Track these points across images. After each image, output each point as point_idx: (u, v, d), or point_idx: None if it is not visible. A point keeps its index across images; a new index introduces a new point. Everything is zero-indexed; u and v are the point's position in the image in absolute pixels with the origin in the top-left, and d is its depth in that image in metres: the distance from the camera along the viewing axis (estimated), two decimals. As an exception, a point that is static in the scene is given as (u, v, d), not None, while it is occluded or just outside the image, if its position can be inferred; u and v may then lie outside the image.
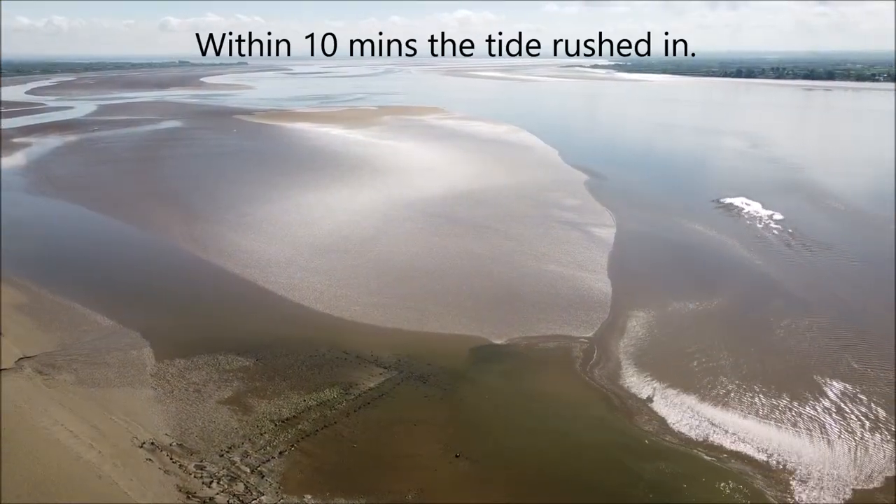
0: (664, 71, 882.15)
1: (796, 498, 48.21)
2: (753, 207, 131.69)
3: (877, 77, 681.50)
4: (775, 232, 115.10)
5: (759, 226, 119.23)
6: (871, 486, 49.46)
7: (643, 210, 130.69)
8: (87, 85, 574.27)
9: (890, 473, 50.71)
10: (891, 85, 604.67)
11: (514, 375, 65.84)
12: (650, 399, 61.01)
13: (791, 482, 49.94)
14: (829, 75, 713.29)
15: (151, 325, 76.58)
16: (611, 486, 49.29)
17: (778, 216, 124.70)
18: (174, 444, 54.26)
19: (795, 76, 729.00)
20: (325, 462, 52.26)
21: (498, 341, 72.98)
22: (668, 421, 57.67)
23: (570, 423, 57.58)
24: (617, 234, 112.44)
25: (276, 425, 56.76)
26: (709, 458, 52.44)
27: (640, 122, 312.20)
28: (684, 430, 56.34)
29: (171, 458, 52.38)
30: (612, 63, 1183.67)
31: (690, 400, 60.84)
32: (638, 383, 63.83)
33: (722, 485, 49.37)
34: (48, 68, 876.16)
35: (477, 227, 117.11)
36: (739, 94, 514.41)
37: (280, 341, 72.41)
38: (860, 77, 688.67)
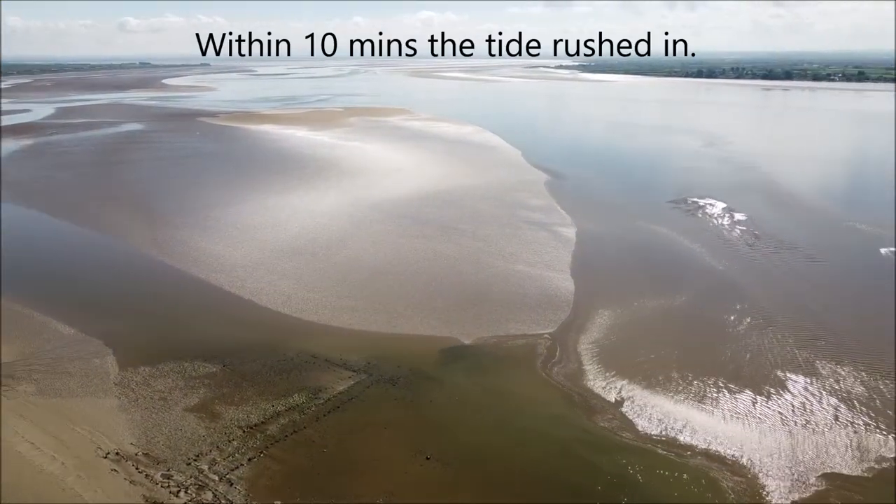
0: (627, 71, 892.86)
1: (751, 488, 49.18)
2: (711, 205, 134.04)
3: (832, 77, 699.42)
4: (733, 230, 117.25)
5: (715, 223, 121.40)
6: (826, 474, 50.71)
7: (603, 209, 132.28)
8: (44, 87, 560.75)
9: (848, 463, 52.04)
10: (844, 84, 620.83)
11: (483, 375, 66.08)
12: (610, 396, 61.80)
13: (747, 474, 50.96)
14: (787, 75, 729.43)
15: (114, 332, 75.12)
16: (575, 482, 49.80)
17: (738, 215, 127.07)
18: (140, 453, 53.32)
19: (754, 76, 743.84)
20: (295, 468, 51.85)
21: (467, 341, 73.21)
22: (628, 416, 58.52)
23: (536, 421, 57.99)
24: (578, 234, 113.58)
25: (244, 432, 56.13)
26: (664, 452, 53.33)
27: (602, 121, 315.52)
28: (643, 424, 57.20)
29: (136, 468, 51.46)
30: (577, 64, 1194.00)
31: (648, 395, 61.81)
32: (599, 380, 64.58)
33: (677, 475, 50.27)
34: (3, 70, 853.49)
35: (445, 228, 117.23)
36: (700, 94, 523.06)
37: (247, 346, 71.63)
38: (816, 77, 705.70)
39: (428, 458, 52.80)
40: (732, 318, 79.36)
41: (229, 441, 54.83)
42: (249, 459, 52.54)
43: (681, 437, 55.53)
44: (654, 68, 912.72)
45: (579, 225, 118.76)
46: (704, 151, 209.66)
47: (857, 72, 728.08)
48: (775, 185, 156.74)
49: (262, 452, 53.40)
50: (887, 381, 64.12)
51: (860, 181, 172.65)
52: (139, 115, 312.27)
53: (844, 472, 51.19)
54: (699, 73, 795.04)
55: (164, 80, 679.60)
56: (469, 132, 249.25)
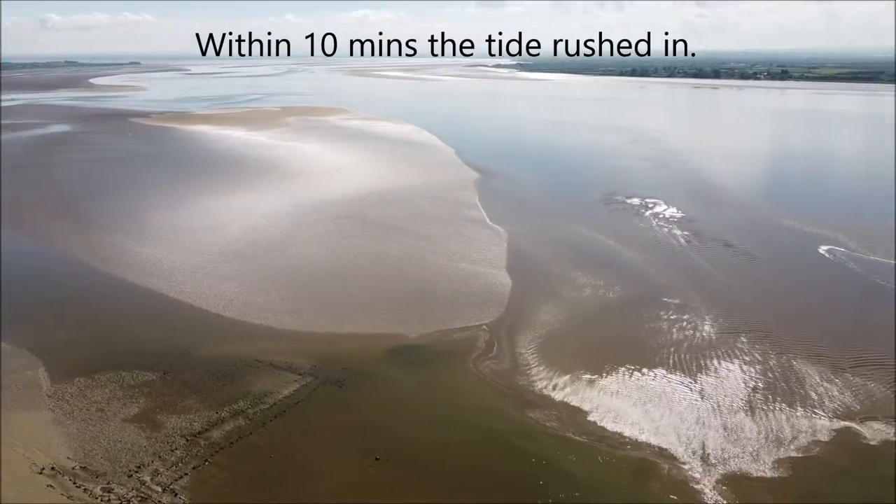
0: (564, 70, 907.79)
1: (672, 474, 50.87)
2: (642, 201, 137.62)
3: (758, 75, 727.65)
4: (664, 226, 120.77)
5: (645, 218, 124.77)
6: (750, 459, 52.92)
7: (537, 207, 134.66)
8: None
9: (770, 453, 54.36)
10: (769, 83, 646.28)
11: (430, 372, 66.41)
12: (547, 388, 62.80)
13: (669, 459, 52.60)
14: (716, 74, 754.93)
15: (47, 343, 72.23)
16: (523, 476, 50.53)
17: (670, 211, 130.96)
18: (77, 467, 51.50)
19: (685, 75, 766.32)
20: (242, 475, 50.98)
21: (413, 339, 73.37)
22: (566, 407, 59.61)
23: (480, 415, 58.50)
24: (511, 232, 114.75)
25: (187, 440, 54.86)
26: (599, 445, 54.68)
27: (536, 119, 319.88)
28: (579, 415, 58.41)
29: (74, 483, 49.69)
30: (515, 63, 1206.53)
31: (582, 387, 63.13)
32: (537, 373, 65.61)
33: (601, 459, 51.71)
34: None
35: (388, 227, 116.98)
36: (634, 92, 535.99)
37: (188, 353, 69.99)
38: (743, 75, 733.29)
39: (377, 459, 52.69)
40: (663, 312, 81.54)
41: (172, 450, 53.50)
42: (194, 468, 51.39)
43: (613, 427, 56.82)
44: (589, 67, 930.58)
45: (511, 223, 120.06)
46: (636, 149, 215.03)
47: (781, 70, 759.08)
48: (707, 181, 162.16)
49: (206, 461, 52.30)
50: (821, 369, 67.19)
51: (791, 178, 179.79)
52: (67, 116, 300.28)
53: (771, 457, 53.29)
54: (633, 72, 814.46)
55: (92, 80, 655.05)
56: (408, 131, 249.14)
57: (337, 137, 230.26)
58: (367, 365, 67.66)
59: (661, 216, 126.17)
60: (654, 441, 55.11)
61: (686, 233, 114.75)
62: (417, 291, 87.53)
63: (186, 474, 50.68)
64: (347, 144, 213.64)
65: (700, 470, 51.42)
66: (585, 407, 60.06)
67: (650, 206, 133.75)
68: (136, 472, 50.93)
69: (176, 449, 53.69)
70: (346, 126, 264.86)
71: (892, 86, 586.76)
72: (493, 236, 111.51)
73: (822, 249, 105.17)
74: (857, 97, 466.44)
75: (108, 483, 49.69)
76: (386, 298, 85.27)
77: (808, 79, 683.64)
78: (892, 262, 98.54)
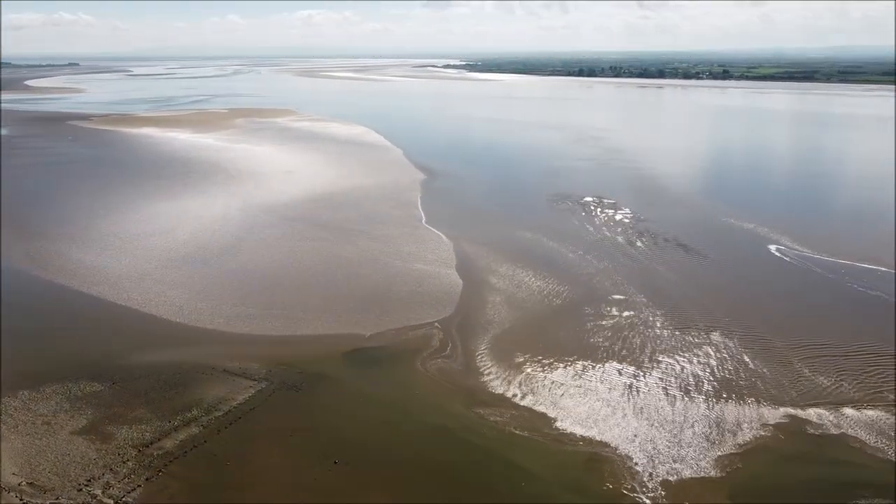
0: (513, 70, 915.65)
1: (620, 467, 51.93)
2: (589, 200, 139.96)
3: (700, 75, 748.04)
4: (614, 225, 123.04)
5: (593, 216, 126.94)
6: (696, 449, 54.35)
7: (486, 208, 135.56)
8: None
9: (708, 450, 55.93)
10: (711, 82, 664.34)
11: (386, 372, 66.23)
12: (499, 385, 63.34)
13: (617, 453, 53.59)
14: (661, 73, 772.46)
15: (-14, 355, 69.41)
16: (476, 471, 50.86)
17: (612, 208, 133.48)
18: (23, 483, 49.64)
19: (631, 74, 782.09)
20: (197, 484, 49.90)
21: (369, 341, 73.01)
22: (516, 403, 60.23)
23: (436, 414, 58.61)
24: (459, 232, 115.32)
25: (139, 451, 53.43)
26: (549, 440, 55.47)
27: (485, 119, 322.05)
28: (528, 411, 59.02)
29: (20, 500, 47.90)
30: (464, 63, 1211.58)
31: (533, 383, 63.87)
32: (487, 370, 66.13)
33: (551, 453, 52.46)
34: None
35: (341, 229, 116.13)
36: (581, 92, 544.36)
37: (138, 361, 68.17)
38: (687, 75, 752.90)
39: (336, 463, 52.27)
40: (610, 309, 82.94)
41: (123, 462, 52.04)
42: (147, 479, 50.08)
43: (562, 423, 57.54)
44: (538, 67, 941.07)
45: (458, 224, 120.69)
46: (582, 148, 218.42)
47: (722, 70, 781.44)
48: (652, 180, 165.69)
49: (160, 471, 51.03)
50: (769, 360, 69.33)
51: (732, 175, 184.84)
52: (2, 120, 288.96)
53: (719, 445, 54.74)
54: (580, 72, 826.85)
55: (28, 82, 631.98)
56: (358, 132, 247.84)
57: (287, 139, 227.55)
58: (324, 367, 67.08)
59: (605, 214, 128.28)
60: (601, 435, 55.96)
61: (631, 230, 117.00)
62: (372, 292, 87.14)
63: (139, 486, 49.38)
64: (298, 146, 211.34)
65: (647, 461, 52.46)
66: (535, 403, 60.68)
67: (595, 204, 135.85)
68: (87, 485, 49.39)
69: (127, 460, 52.25)
70: (296, 127, 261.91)
71: (827, 84, 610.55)
72: (442, 237, 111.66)
73: (770, 246, 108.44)
74: (794, 95, 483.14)
75: (57, 498, 48.06)
76: (341, 300, 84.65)
77: (747, 78, 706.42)
78: (829, 258, 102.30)
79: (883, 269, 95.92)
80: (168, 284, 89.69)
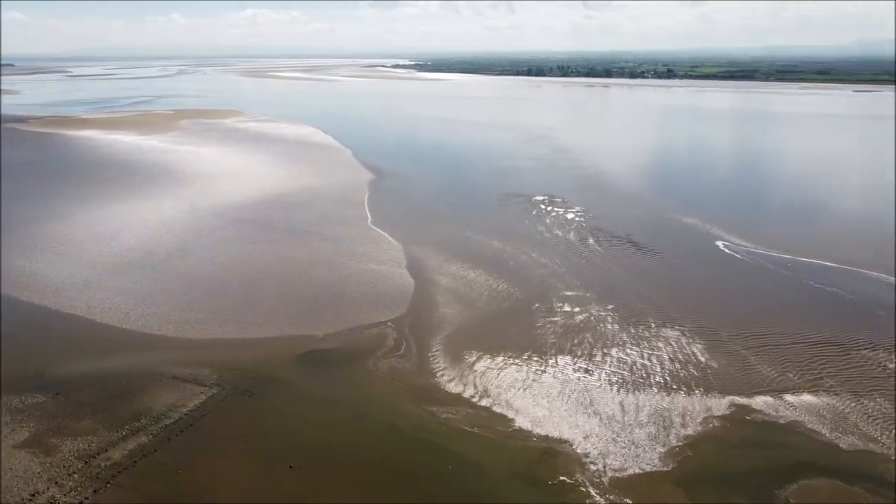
0: (462, 70, 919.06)
1: (571, 460, 52.73)
2: (539, 198, 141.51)
3: (645, 74, 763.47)
4: (565, 223, 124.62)
5: (540, 215, 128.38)
6: (649, 440, 55.52)
7: (434, 207, 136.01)
8: None
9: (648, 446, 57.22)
10: (656, 81, 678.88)
11: (340, 374, 65.71)
12: (452, 384, 63.58)
13: (569, 447, 54.39)
14: (607, 73, 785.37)
15: (-81, 368, 66.27)
16: (429, 469, 50.91)
17: (559, 206, 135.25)
18: (-38, 500, 47.63)
19: (578, 74, 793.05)
20: (147, 494, 48.61)
21: (323, 343, 72.30)
22: (470, 402, 60.46)
23: (389, 413, 58.48)
24: (411, 231, 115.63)
25: (86, 463, 51.75)
26: (492, 431, 55.99)
27: (433, 119, 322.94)
28: (479, 409, 59.40)
29: (-41, 518, 45.94)
30: (413, 63, 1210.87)
31: (486, 381, 64.29)
32: (440, 369, 66.33)
33: (503, 448, 53.03)
34: None
35: (293, 231, 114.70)
36: (530, 91, 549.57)
37: (83, 371, 66.06)
38: (632, 74, 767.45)
39: (291, 467, 51.58)
40: (561, 306, 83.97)
41: (69, 475, 50.33)
42: (95, 491, 48.55)
43: (514, 418, 58.09)
44: (486, 66, 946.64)
45: (410, 224, 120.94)
46: (530, 147, 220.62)
47: (667, 69, 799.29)
48: (604, 178, 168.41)
49: (108, 483, 49.54)
50: (717, 351, 71.15)
51: (684, 174, 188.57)
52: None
53: (669, 435, 56.00)
54: (529, 72, 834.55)
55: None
56: (307, 133, 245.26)
57: (235, 140, 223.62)
58: (276, 371, 66.15)
59: (555, 213, 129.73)
60: (554, 430, 56.53)
61: (580, 228, 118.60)
62: (325, 293, 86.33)
63: (87, 498, 47.85)
64: (246, 147, 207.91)
65: (598, 454, 53.27)
66: (487, 400, 61.03)
67: (544, 203, 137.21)
68: (30, 500, 47.64)
69: (73, 473, 50.56)
70: (244, 128, 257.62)
71: (766, 82, 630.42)
72: (391, 238, 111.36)
73: (717, 242, 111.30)
74: (735, 94, 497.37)
75: (-2, 515, 46.24)
76: (294, 302, 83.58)
77: (690, 77, 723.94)
78: (776, 253, 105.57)
79: (824, 263, 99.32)
80: (114, 291, 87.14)
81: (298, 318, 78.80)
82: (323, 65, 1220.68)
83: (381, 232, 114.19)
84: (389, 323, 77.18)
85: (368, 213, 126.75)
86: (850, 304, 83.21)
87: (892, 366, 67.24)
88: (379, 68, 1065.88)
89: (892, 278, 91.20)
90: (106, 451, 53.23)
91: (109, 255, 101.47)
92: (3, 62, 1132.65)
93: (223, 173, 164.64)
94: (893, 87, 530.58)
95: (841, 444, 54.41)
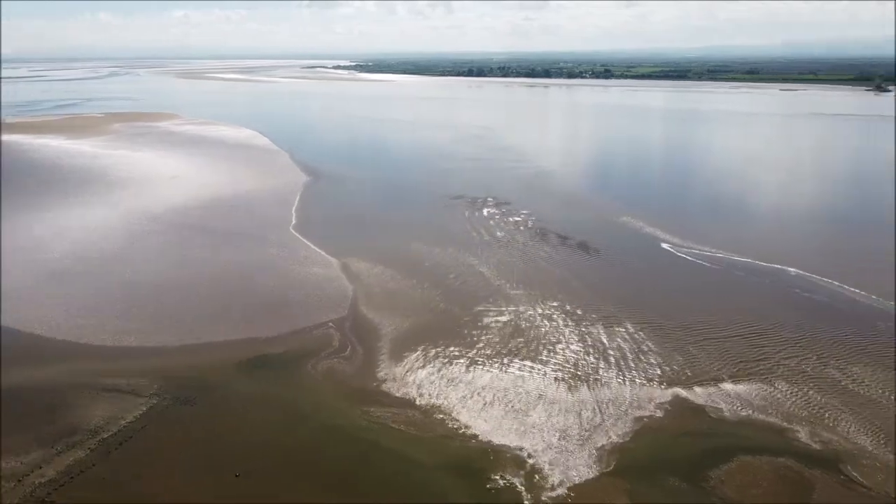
0: (404, 71, 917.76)
1: (512, 457, 53.25)
2: (479, 200, 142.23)
3: (584, 74, 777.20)
4: (511, 224, 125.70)
5: (481, 216, 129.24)
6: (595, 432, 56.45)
7: (374, 209, 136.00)
8: None
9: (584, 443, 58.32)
10: (594, 81, 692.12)
11: (283, 378, 64.83)
12: (393, 384, 63.55)
13: (507, 443, 54.83)
14: (547, 73, 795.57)
15: None
16: (372, 469, 50.65)
17: (495, 205, 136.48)
18: None
19: (519, 74, 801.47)
20: (86, 511, 46.76)
21: (265, 348, 71.04)
22: (414, 401, 60.55)
23: (332, 415, 58.03)
24: (349, 234, 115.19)
25: (18, 482, 49.44)
26: (432, 429, 56.20)
27: (376, 119, 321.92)
28: (424, 410, 59.47)
29: None
30: (354, 64, 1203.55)
31: (429, 382, 64.31)
32: (382, 370, 66.11)
33: (443, 446, 53.31)
34: None
35: (233, 235, 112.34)
36: (471, 92, 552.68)
37: (14, 385, 63.15)
38: (571, 74, 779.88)
39: (237, 476, 50.41)
40: (509, 306, 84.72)
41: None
42: (28, 511, 46.45)
43: (455, 416, 58.31)
44: (428, 67, 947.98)
45: (348, 227, 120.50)
46: (473, 148, 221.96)
47: (604, 70, 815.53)
48: (543, 178, 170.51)
49: (43, 501, 47.44)
50: (660, 346, 72.77)
51: (622, 173, 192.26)
52: None
53: (610, 429, 57.04)
54: (470, 73, 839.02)
55: None
56: (246, 136, 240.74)
57: (171, 144, 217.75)
58: (219, 377, 64.66)
59: (494, 213, 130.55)
60: (493, 427, 56.83)
61: (518, 227, 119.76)
62: (265, 297, 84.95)
63: (19, 519, 45.73)
64: (183, 151, 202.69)
65: (537, 449, 53.69)
66: (426, 400, 60.98)
67: (483, 203, 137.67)
68: (-43, 523, 45.27)
69: (4, 493, 48.23)
70: (180, 132, 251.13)
71: (699, 82, 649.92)
72: (330, 240, 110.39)
73: (659, 241, 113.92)
74: (669, 93, 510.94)
75: (-77, 541, 43.77)
76: (234, 306, 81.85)
77: (627, 77, 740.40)
78: (715, 252, 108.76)
79: (752, 261, 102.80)
80: (45, 300, 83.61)
81: (240, 323, 77.21)
82: (261, 66, 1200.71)
83: (307, 238, 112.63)
84: (331, 324, 76.65)
85: (294, 217, 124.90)
86: (777, 297, 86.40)
87: (815, 358, 70.13)
88: (319, 69, 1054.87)
89: (808, 273, 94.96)
90: (40, 468, 51.01)
91: (40, 263, 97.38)
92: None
93: (160, 177, 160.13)
94: (819, 85, 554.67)
95: (773, 427, 56.50)
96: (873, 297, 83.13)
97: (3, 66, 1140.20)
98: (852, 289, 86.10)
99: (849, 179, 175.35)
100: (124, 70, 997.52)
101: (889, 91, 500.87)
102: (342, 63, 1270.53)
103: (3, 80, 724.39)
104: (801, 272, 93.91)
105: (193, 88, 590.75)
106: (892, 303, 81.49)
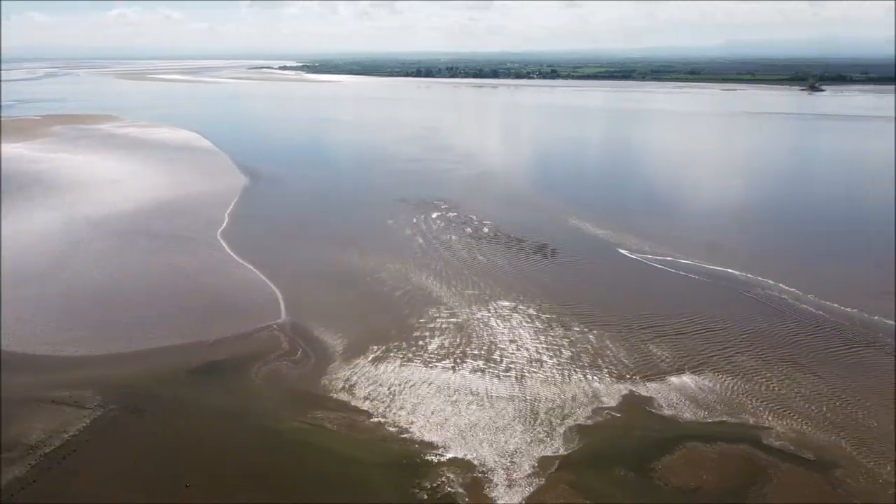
0: (351, 72, 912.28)
1: (459, 458, 53.61)
2: (426, 200, 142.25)
3: (531, 75, 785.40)
4: (445, 223, 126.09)
5: (431, 218, 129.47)
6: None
7: (315, 211, 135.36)
8: None
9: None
10: (541, 81, 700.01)
11: (229, 383, 63.95)
12: (338, 386, 63.15)
13: (452, 444, 55.08)
14: (494, 74, 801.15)
15: None
16: (321, 472, 50.29)
17: (436, 205, 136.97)
18: None
19: (467, 75, 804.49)
20: (28, 529, 45.09)
21: (213, 352, 69.74)
22: (355, 406, 60.13)
23: (280, 422, 57.31)
24: (291, 236, 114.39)
25: (-46, 501, 47.37)
26: (393, 439, 56.26)
27: (321, 120, 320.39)
28: (365, 414, 59.37)
29: None
30: (300, 65, 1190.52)
31: (370, 384, 64.16)
32: (328, 373, 65.80)
33: (387, 449, 53.38)
34: None
35: (177, 238, 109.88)
36: (420, 92, 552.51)
37: (-54, 400, 60.41)
38: (518, 75, 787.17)
39: (187, 486, 49.30)
40: (455, 308, 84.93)
41: (-65, 515, 45.92)
42: (-35, 531, 44.54)
43: (399, 420, 58.18)
44: (376, 68, 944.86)
45: (290, 229, 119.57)
46: (419, 149, 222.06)
47: (551, 70, 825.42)
48: (493, 180, 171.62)
49: (-19, 520, 45.58)
50: (614, 346, 73.93)
51: (572, 174, 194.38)
52: None
53: (560, 425, 57.73)
54: (418, 73, 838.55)
55: None
56: (189, 138, 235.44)
57: (112, 147, 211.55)
58: (166, 385, 63.18)
59: (439, 214, 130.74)
60: (441, 427, 56.95)
61: (462, 228, 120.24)
62: (212, 301, 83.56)
63: (-44, 540, 43.81)
64: (125, 154, 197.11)
65: (484, 451, 53.71)
66: (370, 403, 60.56)
67: (429, 204, 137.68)
68: None
69: (-61, 513, 46.19)
70: (122, 134, 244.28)
71: (643, 82, 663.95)
72: (271, 243, 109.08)
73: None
74: (615, 93, 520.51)
75: None
76: (181, 311, 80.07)
77: (573, 77, 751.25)
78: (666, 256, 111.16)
79: (694, 262, 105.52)
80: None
81: (187, 328, 75.58)
82: (207, 66, 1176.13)
83: (237, 242, 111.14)
84: (275, 326, 76.00)
85: (227, 220, 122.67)
86: (718, 293, 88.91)
87: (757, 351, 72.50)
88: (265, 70, 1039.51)
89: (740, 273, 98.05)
90: (-24, 486, 48.93)
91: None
92: None
93: (101, 181, 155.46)
94: (757, 85, 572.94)
95: (720, 417, 58.16)
96: (809, 296, 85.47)
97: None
98: (791, 288, 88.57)
99: (789, 177, 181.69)
100: (62, 71, 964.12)
101: (822, 91, 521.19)
102: (289, 63, 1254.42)
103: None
104: (732, 272, 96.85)
105: (135, 90, 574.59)
106: (829, 302, 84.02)
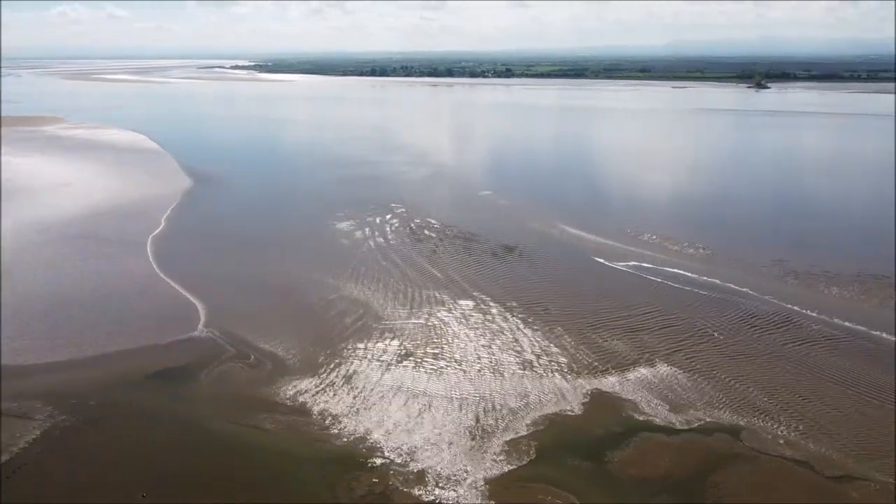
0: (304, 71, 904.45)
1: (415, 459, 53.77)
2: (383, 203, 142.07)
3: (486, 74, 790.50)
4: (395, 225, 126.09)
5: (376, 218, 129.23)
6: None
7: (264, 213, 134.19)
8: None
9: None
10: (496, 80, 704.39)
11: (183, 388, 62.82)
12: (288, 391, 62.34)
13: (402, 445, 55.07)
14: (449, 73, 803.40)
15: None
16: (278, 476, 49.89)
17: (386, 206, 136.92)
18: None
19: (422, 74, 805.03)
20: (-24, 547, 43.52)
21: (171, 359, 68.30)
22: (305, 410, 59.49)
23: (237, 427, 56.42)
24: (241, 239, 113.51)
25: None
26: (328, 436, 56.12)
27: (275, 121, 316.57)
28: (318, 419, 58.98)
29: None
30: (253, 64, 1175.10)
31: (323, 388, 63.66)
32: (280, 376, 64.93)
33: (337, 452, 53.25)
34: None
35: (127, 243, 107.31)
36: (375, 91, 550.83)
37: None
38: (473, 74, 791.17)
39: (143, 496, 48.19)
40: (414, 308, 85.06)
41: None
42: None
43: (354, 419, 58.09)
44: (330, 67, 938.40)
45: (239, 232, 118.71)
46: (375, 150, 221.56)
47: (505, 69, 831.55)
48: (453, 181, 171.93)
49: (-75, 540, 43.78)
50: (577, 342, 74.75)
51: (531, 173, 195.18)
52: None
53: (519, 422, 58.07)
54: (373, 72, 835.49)
55: None
56: (136, 140, 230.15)
57: (59, 149, 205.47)
58: (119, 393, 61.65)
59: (391, 216, 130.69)
60: (397, 428, 56.56)
61: (413, 230, 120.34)
62: (165, 305, 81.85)
63: None
64: (72, 156, 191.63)
65: (441, 451, 53.41)
66: (320, 407, 59.94)
67: (375, 206, 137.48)
68: None
69: None
70: (69, 136, 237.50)
71: (596, 80, 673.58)
72: (224, 245, 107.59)
73: (562, 234, 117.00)
74: (571, 91, 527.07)
75: None
76: (134, 318, 78.14)
77: (527, 76, 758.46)
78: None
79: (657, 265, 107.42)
80: (-81, 322, 77.05)
81: (146, 335, 73.82)
82: (157, 66, 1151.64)
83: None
84: (203, 332, 74.85)
85: (162, 223, 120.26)
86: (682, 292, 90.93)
87: (718, 338, 74.33)
88: (217, 69, 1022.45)
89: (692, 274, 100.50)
90: (-80, 504, 47.03)
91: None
92: None
93: (48, 185, 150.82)
94: (705, 83, 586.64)
95: (677, 409, 59.21)
96: (766, 297, 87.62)
97: None
98: (742, 288, 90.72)
99: (742, 173, 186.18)
100: (3, 72, 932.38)
101: (768, 88, 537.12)
102: (241, 63, 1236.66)
103: None
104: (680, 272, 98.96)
105: (81, 91, 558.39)
106: (784, 302, 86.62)
